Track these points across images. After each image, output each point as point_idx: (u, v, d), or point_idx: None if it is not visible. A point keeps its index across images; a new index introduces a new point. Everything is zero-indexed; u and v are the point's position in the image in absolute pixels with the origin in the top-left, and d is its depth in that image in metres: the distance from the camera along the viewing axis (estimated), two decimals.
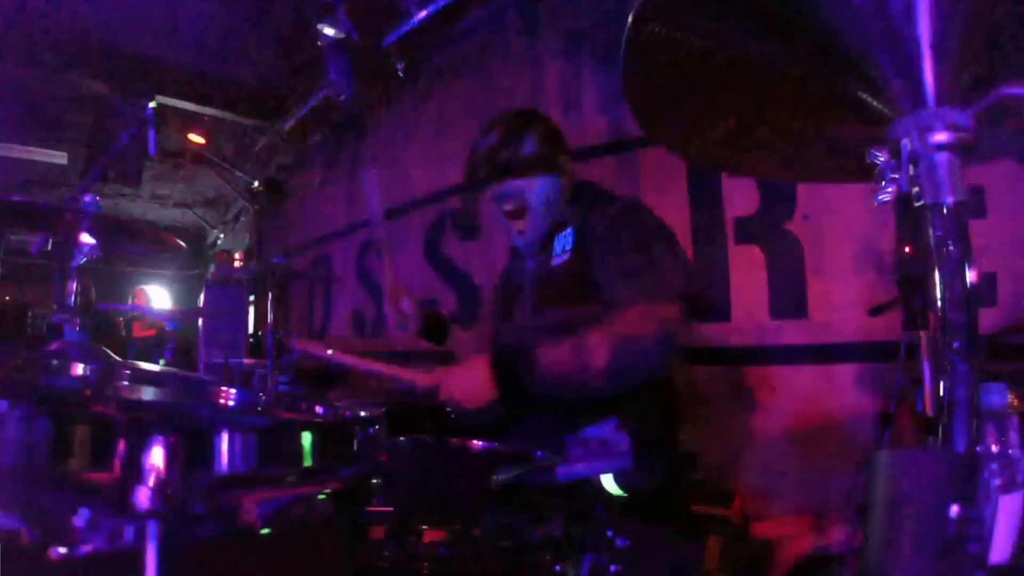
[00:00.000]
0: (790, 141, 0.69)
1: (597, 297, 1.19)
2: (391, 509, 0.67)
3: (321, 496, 0.46)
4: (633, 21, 0.54)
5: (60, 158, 5.87)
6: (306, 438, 0.47)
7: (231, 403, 0.67)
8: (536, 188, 1.28)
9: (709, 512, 1.89)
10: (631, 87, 0.62)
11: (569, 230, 1.28)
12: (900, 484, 0.44)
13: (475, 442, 1.06)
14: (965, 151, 0.51)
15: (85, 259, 1.45)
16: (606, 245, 1.19)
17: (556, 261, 1.28)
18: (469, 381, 1.11)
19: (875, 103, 0.56)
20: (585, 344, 1.07)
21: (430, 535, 0.65)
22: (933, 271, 0.50)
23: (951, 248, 0.49)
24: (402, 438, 1.10)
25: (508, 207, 1.30)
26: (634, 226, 1.19)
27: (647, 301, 1.08)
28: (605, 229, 1.21)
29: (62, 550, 0.35)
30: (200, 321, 4.68)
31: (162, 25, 4.21)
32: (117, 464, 0.37)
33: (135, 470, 0.36)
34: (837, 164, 0.73)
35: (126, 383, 0.67)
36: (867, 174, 0.55)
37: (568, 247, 1.26)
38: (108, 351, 1.40)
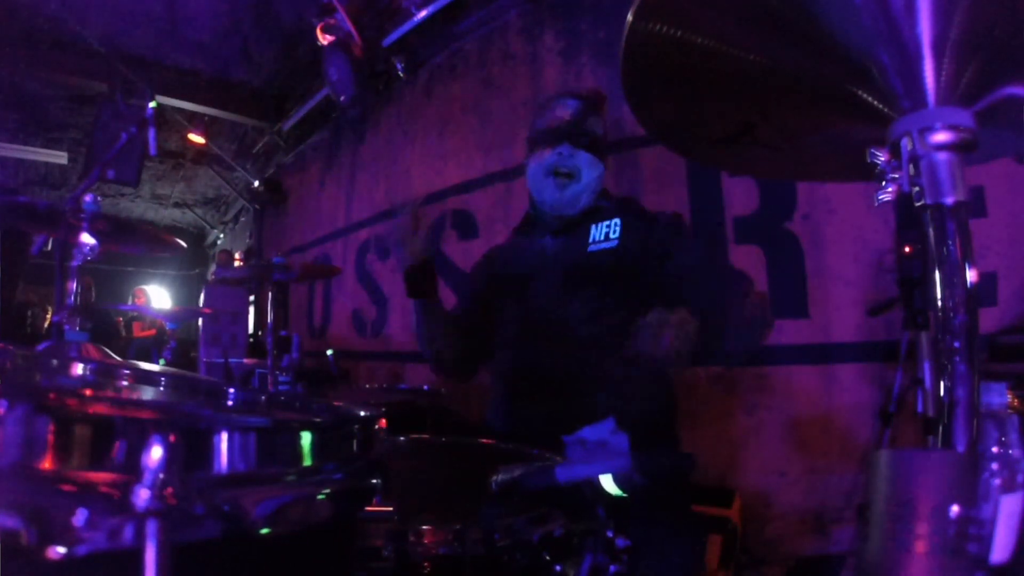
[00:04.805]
0: (791, 140, 0.69)
1: (636, 289, 1.28)
2: (391, 509, 0.67)
3: (320, 496, 0.46)
4: (632, 20, 0.54)
5: (60, 158, 5.88)
6: (306, 438, 0.47)
7: (231, 403, 0.67)
8: (595, 166, 1.36)
9: (709, 512, 1.89)
10: (631, 86, 0.62)
11: (616, 221, 1.34)
12: (900, 484, 0.43)
13: (475, 442, 1.06)
14: (966, 151, 0.51)
15: (85, 259, 1.44)
16: (662, 253, 1.29)
17: (593, 248, 1.33)
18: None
19: (875, 103, 0.56)
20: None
21: (430, 535, 0.65)
22: (933, 271, 0.50)
23: (951, 248, 0.49)
24: (402, 438, 1.10)
25: (564, 169, 1.34)
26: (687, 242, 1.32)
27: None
28: (663, 234, 1.31)
29: (61, 550, 0.35)
30: (200, 321, 4.68)
31: (162, 25, 4.21)
32: (116, 463, 0.37)
33: (134, 469, 0.36)
34: (838, 163, 0.73)
35: (125, 383, 0.67)
36: (868, 173, 0.55)
37: (614, 236, 1.32)
38: (108, 351, 1.40)
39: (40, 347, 1.39)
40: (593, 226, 1.36)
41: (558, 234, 1.38)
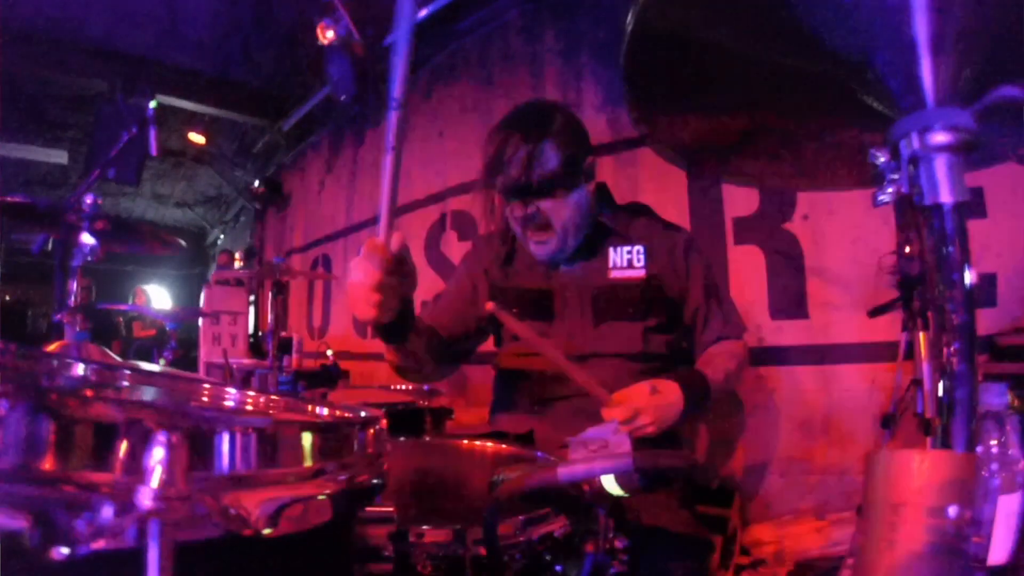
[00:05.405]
0: (791, 147, 0.69)
1: (671, 316, 1.25)
2: (391, 509, 0.67)
3: (321, 496, 0.46)
4: (634, 22, 0.54)
5: (60, 158, 5.88)
6: (306, 438, 0.47)
7: (231, 403, 0.67)
8: (563, 208, 1.20)
9: (709, 512, 1.89)
10: (634, 92, 0.62)
11: (639, 248, 1.25)
12: (899, 484, 0.44)
13: (475, 442, 1.06)
14: (965, 151, 0.51)
15: (85, 259, 1.45)
16: (685, 277, 1.26)
17: (618, 274, 1.24)
18: (667, 408, 1.04)
19: (875, 104, 0.56)
20: (731, 370, 1.19)
21: (430, 535, 0.65)
22: (933, 272, 0.50)
23: (951, 249, 0.49)
24: (402, 438, 1.10)
25: (533, 224, 1.21)
26: (706, 264, 1.30)
27: (735, 337, 1.27)
28: (683, 257, 1.27)
29: (63, 550, 0.35)
30: (200, 321, 4.68)
31: (162, 25, 4.21)
32: (118, 464, 0.37)
33: (136, 470, 0.36)
34: (838, 170, 0.73)
35: (126, 383, 0.68)
36: (867, 179, 0.55)
37: (639, 265, 1.24)
38: (108, 351, 1.40)
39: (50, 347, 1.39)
40: (612, 249, 1.26)
41: (573, 259, 1.28)
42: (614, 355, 1.22)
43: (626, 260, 1.25)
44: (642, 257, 1.24)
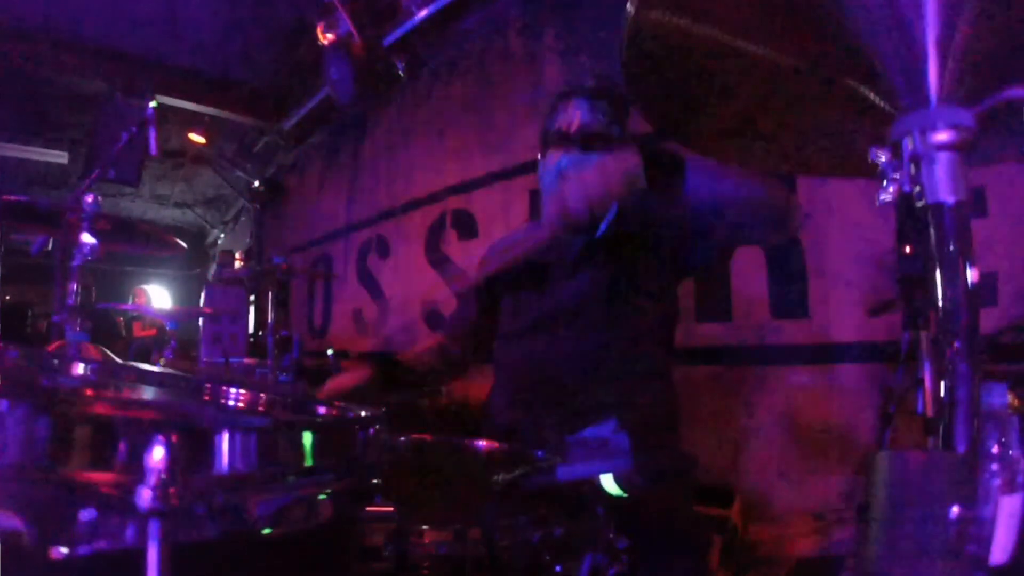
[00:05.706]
0: (790, 134, 0.69)
1: (646, 258, 1.27)
2: (391, 509, 0.67)
3: (321, 496, 0.46)
4: (634, 11, 0.54)
5: (60, 158, 5.87)
6: (306, 438, 0.47)
7: (231, 403, 0.67)
8: None
9: (709, 512, 1.89)
10: (631, 77, 0.62)
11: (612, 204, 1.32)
12: (900, 485, 0.43)
13: (475, 442, 1.06)
14: (967, 150, 0.50)
15: (85, 259, 1.44)
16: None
17: (598, 234, 1.29)
18: (605, 166, 0.99)
19: (876, 99, 0.56)
20: (730, 170, 1.09)
21: (430, 535, 0.65)
22: (934, 271, 0.50)
23: (952, 248, 0.49)
24: (402, 438, 1.10)
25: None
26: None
27: None
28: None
29: (63, 550, 0.35)
30: (200, 321, 4.68)
31: (162, 25, 4.21)
32: (118, 464, 0.37)
33: (136, 470, 0.36)
34: (838, 159, 0.73)
35: (126, 383, 0.67)
36: (867, 169, 0.55)
37: (610, 218, 1.30)
38: (108, 351, 1.40)
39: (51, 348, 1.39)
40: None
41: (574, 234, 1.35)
42: (582, 310, 1.26)
43: (607, 219, 1.31)
44: (615, 205, 1.29)
